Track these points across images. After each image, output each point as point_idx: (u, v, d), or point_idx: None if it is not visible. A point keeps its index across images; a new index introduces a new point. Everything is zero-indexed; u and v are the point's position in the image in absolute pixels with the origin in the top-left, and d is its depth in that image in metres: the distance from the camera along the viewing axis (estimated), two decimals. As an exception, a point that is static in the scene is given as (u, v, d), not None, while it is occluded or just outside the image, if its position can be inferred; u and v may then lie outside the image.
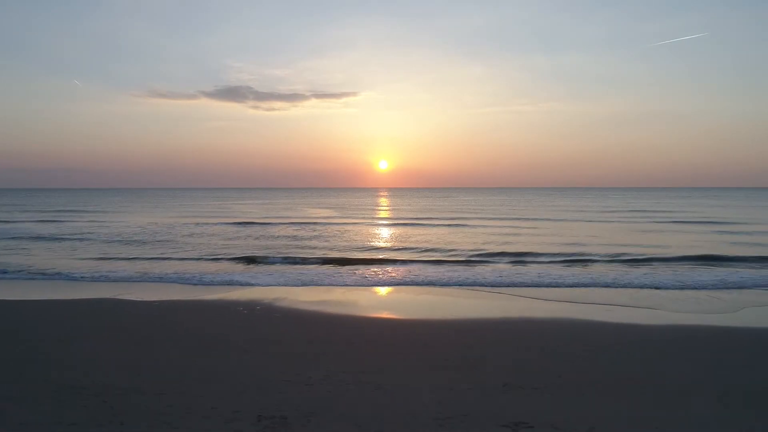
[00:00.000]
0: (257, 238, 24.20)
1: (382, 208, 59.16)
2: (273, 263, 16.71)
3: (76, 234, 26.39)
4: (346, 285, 13.18)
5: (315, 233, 26.86)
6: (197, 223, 33.24)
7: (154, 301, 11.24)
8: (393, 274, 14.53)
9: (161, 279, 14.10)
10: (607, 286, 12.74)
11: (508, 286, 12.85)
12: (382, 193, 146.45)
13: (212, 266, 16.29)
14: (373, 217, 40.97)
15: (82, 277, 14.29)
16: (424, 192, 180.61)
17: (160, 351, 7.28)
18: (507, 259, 17.16)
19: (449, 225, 31.48)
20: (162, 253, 18.87)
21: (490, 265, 16.10)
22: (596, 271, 14.83)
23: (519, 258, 17.20)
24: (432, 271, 14.87)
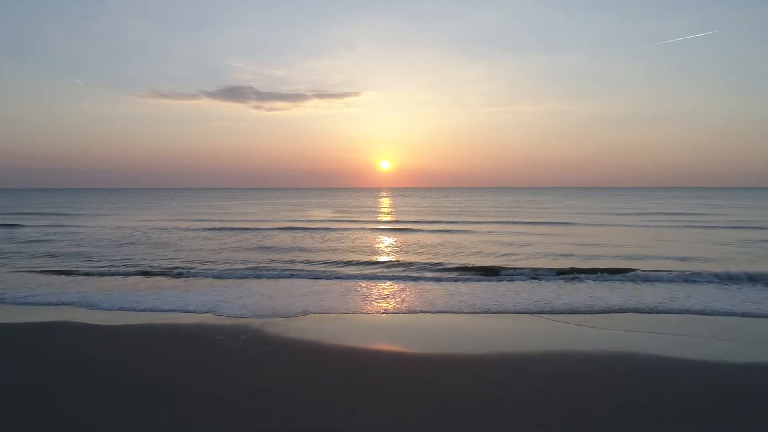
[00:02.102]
0: (249, 247, 22.29)
1: (384, 209, 57.06)
2: (261, 277, 14.70)
3: (32, 240, 24.43)
4: (345, 311, 11.00)
5: (313, 239, 24.93)
6: (189, 228, 31.24)
7: (120, 326, 9.29)
8: (399, 296, 12.38)
9: (129, 297, 12.03)
10: (684, 311, 10.48)
11: (545, 312, 10.78)
12: (384, 194, 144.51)
13: (195, 282, 14.35)
14: (375, 221, 38.84)
15: (25, 298, 12.09)
16: (427, 192, 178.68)
17: (118, 401, 5.29)
18: (533, 273, 14.72)
19: (459, 231, 29.13)
20: (135, 263, 16.94)
21: (513, 282, 13.98)
22: (650, 291, 12.36)
23: (547, 272, 14.70)
24: (442, 290, 12.85)
